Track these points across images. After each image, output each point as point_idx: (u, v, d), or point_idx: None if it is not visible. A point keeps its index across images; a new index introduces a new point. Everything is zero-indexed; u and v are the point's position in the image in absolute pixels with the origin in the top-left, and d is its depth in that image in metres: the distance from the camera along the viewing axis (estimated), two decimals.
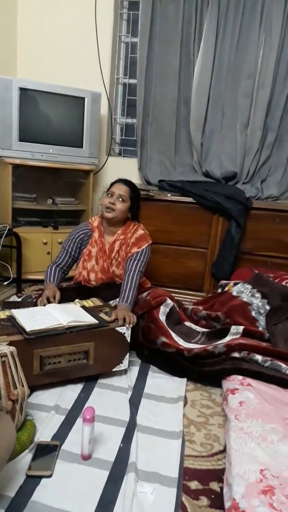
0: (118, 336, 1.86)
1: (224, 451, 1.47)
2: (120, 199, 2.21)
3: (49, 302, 2.03)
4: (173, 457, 1.42)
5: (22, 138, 2.91)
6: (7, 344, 1.46)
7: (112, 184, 2.31)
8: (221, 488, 1.29)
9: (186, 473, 1.36)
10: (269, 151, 3.15)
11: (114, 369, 1.89)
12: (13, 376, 1.36)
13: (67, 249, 2.28)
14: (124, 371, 1.95)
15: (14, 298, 2.77)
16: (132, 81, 3.45)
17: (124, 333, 1.87)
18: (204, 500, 1.25)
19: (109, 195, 2.23)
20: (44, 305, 1.98)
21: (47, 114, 3.02)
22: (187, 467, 1.39)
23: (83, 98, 3.04)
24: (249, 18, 2.97)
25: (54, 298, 2.05)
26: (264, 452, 1.28)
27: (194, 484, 1.31)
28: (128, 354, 1.91)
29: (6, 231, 2.66)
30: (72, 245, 2.28)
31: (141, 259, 2.20)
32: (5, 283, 2.92)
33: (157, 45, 3.15)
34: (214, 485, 1.32)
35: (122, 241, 2.26)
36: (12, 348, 1.39)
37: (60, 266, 2.26)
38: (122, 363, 1.90)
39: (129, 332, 1.89)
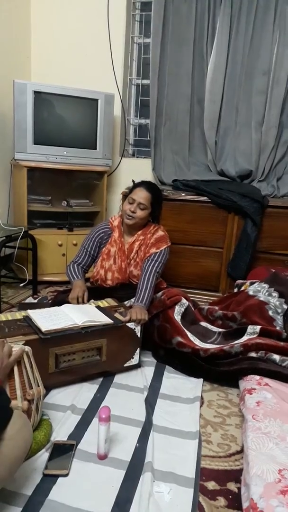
0: (129, 332, 1.88)
1: (241, 451, 1.45)
2: (141, 206, 2.19)
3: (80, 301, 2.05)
4: (189, 457, 1.41)
5: (36, 141, 2.94)
6: (23, 344, 1.47)
7: (134, 187, 2.26)
8: (239, 489, 1.27)
9: (203, 474, 1.34)
10: (284, 149, 3.11)
11: (125, 365, 1.90)
12: (29, 376, 1.36)
13: (86, 248, 2.28)
14: (138, 369, 1.96)
15: (30, 300, 2.79)
16: (145, 81, 3.45)
17: (135, 328, 1.89)
18: (221, 501, 1.24)
19: (130, 201, 2.20)
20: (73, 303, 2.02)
21: (61, 117, 3.04)
22: (204, 467, 1.37)
23: (96, 100, 3.06)
24: (262, 15, 2.94)
25: (83, 298, 2.07)
26: (282, 452, 1.25)
27: (211, 485, 1.30)
28: (139, 349, 1.93)
29: (22, 233, 2.69)
30: (91, 244, 2.28)
31: (158, 259, 2.19)
32: (21, 284, 2.95)
33: (170, 45, 3.14)
34: (232, 486, 1.30)
35: (142, 242, 2.25)
36: (28, 348, 1.40)
37: (81, 265, 2.27)
38: (133, 358, 1.92)
39: (139, 327, 1.90)
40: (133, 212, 2.18)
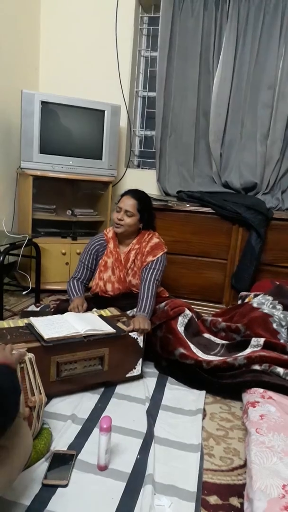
0: (131, 342, 1.86)
1: (244, 466, 1.42)
2: (128, 213, 2.19)
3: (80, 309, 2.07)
4: (191, 470, 1.38)
5: (43, 150, 2.96)
6: (26, 351, 1.46)
7: (121, 197, 2.28)
8: (241, 504, 1.24)
9: (205, 488, 1.31)
10: None
11: (127, 375, 1.88)
12: (31, 382, 1.35)
13: (84, 262, 2.28)
14: (140, 380, 1.93)
15: (32, 308, 2.78)
16: (151, 94, 3.49)
17: (137, 338, 1.87)
18: None
19: (117, 210, 2.21)
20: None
21: (68, 127, 3.06)
22: (206, 481, 1.35)
23: (103, 111, 3.08)
24: (268, 30, 2.97)
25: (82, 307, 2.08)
26: (286, 467, 1.23)
27: (213, 499, 1.27)
28: (141, 359, 1.91)
29: (26, 241, 2.69)
30: (88, 257, 2.28)
31: (156, 267, 2.18)
32: (24, 292, 2.94)
33: (176, 59, 3.18)
34: (234, 501, 1.27)
35: (137, 251, 2.25)
36: (31, 355, 1.39)
37: (80, 280, 2.26)
38: (135, 368, 1.90)
39: (142, 337, 1.89)
40: (120, 220, 2.18)
